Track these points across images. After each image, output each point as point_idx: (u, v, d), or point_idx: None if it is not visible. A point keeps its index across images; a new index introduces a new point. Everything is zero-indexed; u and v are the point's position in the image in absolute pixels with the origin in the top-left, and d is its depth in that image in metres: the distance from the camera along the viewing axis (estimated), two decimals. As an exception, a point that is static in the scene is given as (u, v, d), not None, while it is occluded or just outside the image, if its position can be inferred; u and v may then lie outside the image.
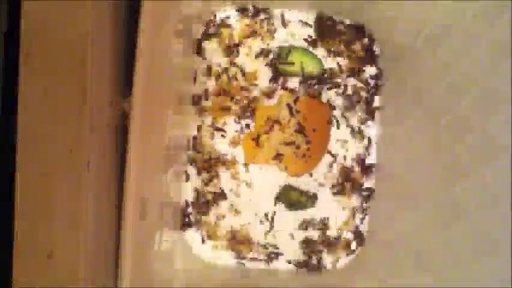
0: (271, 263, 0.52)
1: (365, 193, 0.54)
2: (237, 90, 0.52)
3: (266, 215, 0.52)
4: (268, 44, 0.53)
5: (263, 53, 0.52)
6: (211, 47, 0.52)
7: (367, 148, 0.54)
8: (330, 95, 0.53)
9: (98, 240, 0.30)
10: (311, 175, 0.53)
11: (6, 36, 0.28)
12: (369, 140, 0.54)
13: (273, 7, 0.53)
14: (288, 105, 0.52)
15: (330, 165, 0.53)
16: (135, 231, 0.30)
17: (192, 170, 0.51)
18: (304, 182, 0.53)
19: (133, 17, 0.31)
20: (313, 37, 0.53)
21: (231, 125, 0.52)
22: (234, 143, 0.52)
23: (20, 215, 0.27)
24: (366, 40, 0.54)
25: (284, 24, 0.53)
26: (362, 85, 0.54)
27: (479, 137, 0.38)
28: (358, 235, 0.53)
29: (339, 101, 0.53)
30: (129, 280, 0.30)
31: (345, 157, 0.53)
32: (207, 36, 0.52)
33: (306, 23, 0.53)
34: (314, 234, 0.53)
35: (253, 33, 0.52)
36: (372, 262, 0.51)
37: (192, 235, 0.51)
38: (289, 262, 0.52)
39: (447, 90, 0.43)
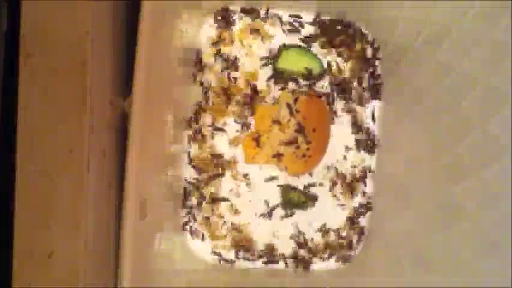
0: (271, 263, 0.52)
1: (364, 193, 0.54)
2: (237, 90, 0.52)
3: (266, 215, 0.52)
4: (268, 44, 0.53)
5: (263, 53, 0.52)
6: (211, 46, 0.52)
7: (367, 148, 0.54)
8: (330, 95, 0.53)
9: (98, 240, 0.30)
10: (311, 175, 0.53)
11: (6, 36, 0.28)
12: (369, 139, 0.54)
13: (273, 7, 0.52)
14: (288, 105, 0.52)
15: (330, 166, 0.53)
16: (135, 231, 0.30)
17: (191, 170, 0.51)
18: (304, 182, 0.53)
19: (133, 17, 0.31)
20: (314, 37, 0.53)
21: (231, 125, 0.52)
22: (234, 143, 0.52)
23: (20, 215, 0.27)
24: (366, 40, 0.54)
25: (284, 24, 0.53)
26: (362, 85, 0.54)
27: (479, 137, 0.38)
28: (358, 235, 0.53)
29: (339, 101, 0.53)
30: (129, 280, 0.30)
31: (345, 157, 0.54)
32: (207, 36, 0.52)
33: (306, 23, 0.53)
34: (314, 234, 0.53)
35: (253, 33, 0.52)
36: (372, 262, 0.51)
37: (192, 235, 0.51)
38: (289, 262, 0.52)
39: (447, 90, 0.43)
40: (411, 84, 0.49)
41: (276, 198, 0.53)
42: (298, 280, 0.52)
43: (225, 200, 0.52)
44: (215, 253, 0.52)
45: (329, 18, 0.53)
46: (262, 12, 0.52)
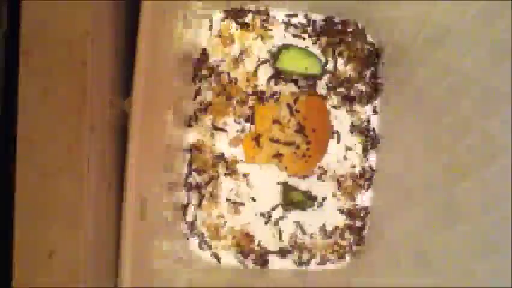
0: (271, 263, 0.52)
1: (364, 193, 0.54)
2: (237, 90, 0.52)
3: (266, 215, 0.52)
4: (268, 44, 0.53)
5: (263, 53, 0.52)
6: (211, 46, 0.52)
7: (367, 148, 0.54)
8: (330, 95, 0.53)
9: (98, 240, 0.30)
10: (311, 175, 0.53)
11: (6, 36, 0.28)
12: (369, 139, 0.54)
13: (273, 7, 0.53)
14: (288, 105, 0.52)
15: (330, 165, 0.53)
16: (135, 231, 0.30)
17: (191, 170, 0.51)
18: (304, 182, 0.53)
19: (133, 17, 0.31)
20: (314, 37, 0.53)
21: (231, 125, 0.52)
22: (234, 143, 0.52)
23: (20, 215, 0.27)
24: (366, 40, 0.54)
25: (284, 24, 0.53)
26: (362, 85, 0.54)
27: (479, 137, 0.38)
28: (358, 235, 0.53)
29: (339, 101, 0.53)
30: (129, 280, 0.30)
31: (345, 157, 0.54)
32: (207, 36, 0.52)
33: (306, 23, 0.53)
34: (314, 234, 0.53)
35: (253, 34, 0.52)
36: (372, 262, 0.51)
37: (192, 235, 0.51)
38: (289, 262, 0.52)
39: (447, 90, 0.43)
40: (411, 84, 0.49)
41: (276, 198, 0.53)
42: (298, 280, 0.52)
43: (225, 198, 0.52)
44: (215, 253, 0.51)
45: (329, 18, 0.53)
46: (262, 13, 0.52)
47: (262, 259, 0.52)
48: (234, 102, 0.52)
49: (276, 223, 0.52)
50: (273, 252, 0.52)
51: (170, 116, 0.43)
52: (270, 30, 0.53)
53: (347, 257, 0.53)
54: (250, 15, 0.52)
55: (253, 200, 0.52)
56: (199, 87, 0.51)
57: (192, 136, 0.51)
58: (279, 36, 0.53)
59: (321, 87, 0.53)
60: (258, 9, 0.52)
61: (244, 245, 0.52)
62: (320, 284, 0.51)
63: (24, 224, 0.27)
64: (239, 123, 0.52)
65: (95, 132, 0.29)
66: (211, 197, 0.52)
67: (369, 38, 0.54)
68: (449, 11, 0.42)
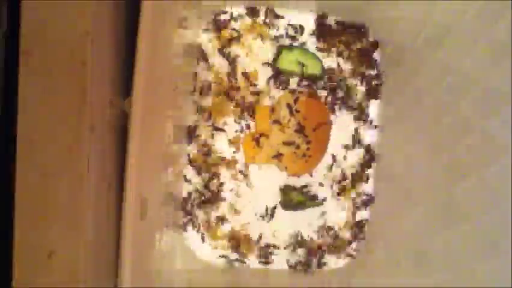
0: (271, 263, 0.52)
1: (365, 193, 0.54)
2: (237, 90, 0.52)
3: (266, 214, 0.52)
4: (268, 44, 0.53)
5: (263, 52, 0.52)
6: (211, 46, 0.52)
7: (367, 148, 0.54)
8: (330, 95, 0.53)
9: (98, 240, 0.30)
10: (311, 175, 0.53)
11: (6, 36, 0.28)
12: (369, 140, 0.54)
13: (274, 7, 0.52)
14: (288, 105, 0.52)
15: (330, 166, 0.53)
16: (135, 231, 0.30)
17: (191, 170, 0.51)
18: (304, 182, 0.53)
19: (133, 17, 0.31)
20: (314, 37, 0.53)
21: (231, 125, 0.52)
22: (234, 143, 0.52)
23: (20, 215, 0.27)
24: (366, 40, 0.54)
25: (284, 24, 0.53)
26: (362, 85, 0.54)
27: (479, 137, 0.38)
28: (358, 235, 0.53)
29: (338, 101, 0.53)
30: (129, 280, 0.29)
31: (345, 157, 0.54)
32: (207, 36, 0.52)
33: (306, 23, 0.53)
34: (314, 234, 0.53)
35: (254, 33, 0.52)
36: (372, 262, 0.51)
37: (192, 235, 0.51)
38: (289, 262, 0.52)
39: (447, 90, 0.43)
40: (411, 84, 0.49)
41: (276, 198, 0.53)
42: (297, 280, 0.52)
43: (225, 199, 0.52)
44: (215, 253, 0.52)
45: (329, 18, 0.53)
46: (262, 13, 0.52)
47: (262, 259, 0.52)
48: (234, 102, 0.52)
49: (276, 223, 0.52)
50: (273, 252, 0.52)
51: (170, 115, 0.43)
52: (271, 30, 0.53)
53: (347, 257, 0.53)
54: (251, 15, 0.52)
55: (253, 200, 0.52)
56: (199, 87, 0.51)
57: (191, 136, 0.51)
58: (280, 36, 0.53)
59: (321, 87, 0.53)
60: (260, 9, 0.52)
61: (244, 245, 0.52)
62: (320, 284, 0.51)
63: (24, 224, 0.27)
64: (239, 123, 0.52)
65: (95, 132, 0.29)
66: (211, 197, 0.52)
67: (369, 38, 0.54)
68: (449, 11, 0.42)
